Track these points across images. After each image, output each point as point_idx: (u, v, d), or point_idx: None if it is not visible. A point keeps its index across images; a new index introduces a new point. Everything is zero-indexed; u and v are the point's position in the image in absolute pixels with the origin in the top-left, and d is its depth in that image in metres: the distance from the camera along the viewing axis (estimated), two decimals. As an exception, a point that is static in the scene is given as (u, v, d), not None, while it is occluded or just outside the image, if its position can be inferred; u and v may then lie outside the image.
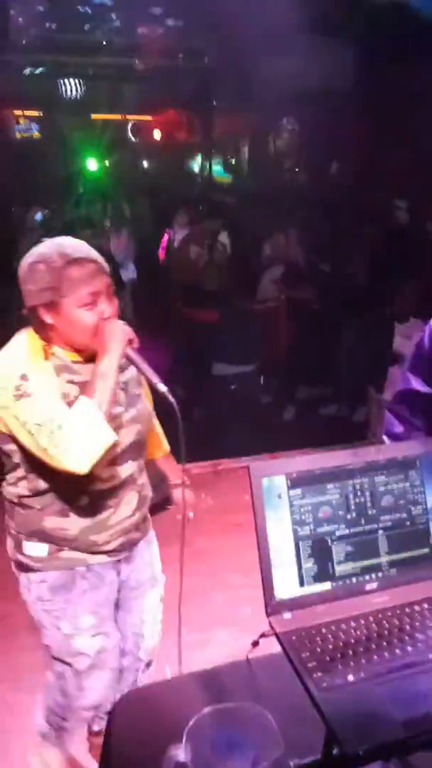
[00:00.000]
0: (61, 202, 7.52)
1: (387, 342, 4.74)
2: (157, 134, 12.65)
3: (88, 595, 1.78)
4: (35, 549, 1.74)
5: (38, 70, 9.11)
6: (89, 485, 1.68)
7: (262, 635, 1.26)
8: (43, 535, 1.73)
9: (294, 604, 1.26)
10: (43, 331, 1.64)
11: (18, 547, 1.78)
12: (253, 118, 9.58)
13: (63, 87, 9.69)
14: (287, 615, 1.25)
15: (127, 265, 6.39)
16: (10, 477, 1.75)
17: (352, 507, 1.35)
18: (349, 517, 1.34)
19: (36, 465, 1.63)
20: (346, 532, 1.34)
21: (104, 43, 7.98)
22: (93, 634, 1.81)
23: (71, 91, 9.83)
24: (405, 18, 5.94)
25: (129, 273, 6.30)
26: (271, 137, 9.34)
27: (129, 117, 12.08)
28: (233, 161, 10.93)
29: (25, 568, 1.78)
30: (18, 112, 11.29)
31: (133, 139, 12.49)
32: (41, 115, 11.34)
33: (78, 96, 9.95)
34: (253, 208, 7.44)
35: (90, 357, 1.65)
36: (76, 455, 1.51)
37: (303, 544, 1.30)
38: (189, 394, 4.76)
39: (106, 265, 1.66)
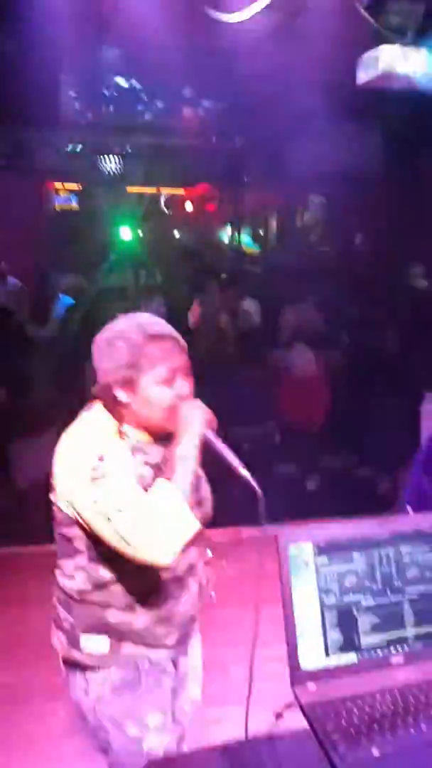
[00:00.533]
0: (95, 270, 7.82)
1: (414, 410, 4.74)
2: (188, 206, 13.21)
3: (155, 692, 1.67)
4: (95, 645, 1.60)
5: (79, 147, 9.67)
6: (157, 574, 1.57)
7: (287, 706, 1.25)
8: (105, 628, 1.60)
9: (319, 675, 1.26)
10: (116, 409, 1.57)
11: (73, 643, 1.62)
12: (282, 193, 9.96)
13: (101, 162, 10.25)
14: (312, 686, 1.24)
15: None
16: (67, 567, 1.61)
17: (378, 577, 1.35)
18: (375, 587, 1.35)
19: (101, 554, 1.52)
20: (372, 602, 1.34)
21: (142, 122, 8.47)
22: (162, 731, 1.67)
23: (109, 166, 10.40)
24: (426, 101, 6.24)
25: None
26: (298, 212, 9.68)
27: (163, 190, 12.67)
28: (261, 233, 11.29)
29: (81, 667, 1.63)
30: (58, 185, 11.92)
31: (166, 210, 13.05)
32: (80, 187, 11.94)
33: (115, 171, 10.51)
34: (280, 278, 7.63)
35: (161, 438, 1.59)
36: (161, 546, 1.42)
37: (329, 613, 1.31)
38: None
39: (184, 343, 1.61)
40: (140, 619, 1.60)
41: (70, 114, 6.81)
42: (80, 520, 1.51)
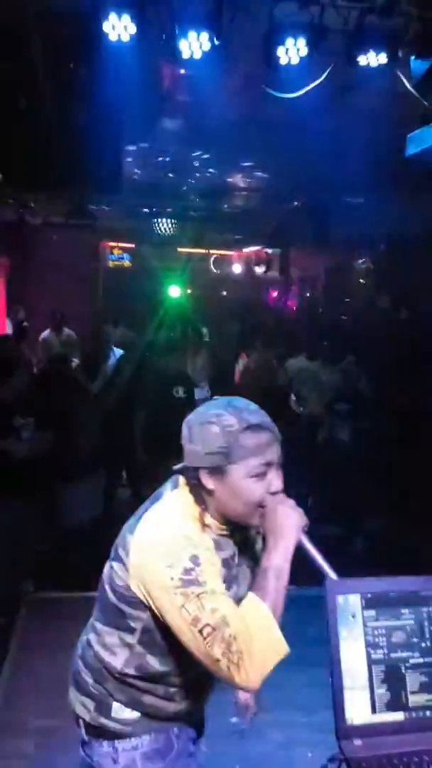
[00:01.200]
0: (145, 324, 8.06)
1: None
2: (237, 267, 13.58)
3: (184, 759, 1.58)
4: (127, 712, 1.51)
5: (135, 210, 10.16)
6: (198, 668, 1.42)
7: (331, 760, 1.23)
8: (138, 706, 1.52)
9: (365, 731, 1.25)
10: (200, 496, 1.47)
11: (104, 711, 1.53)
12: (329, 257, 10.17)
13: (155, 224, 10.72)
14: (358, 741, 1.23)
15: (202, 385, 6.68)
16: (111, 639, 1.50)
17: (427, 635, 1.35)
18: (423, 645, 1.34)
19: (157, 644, 1.44)
20: (420, 660, 1.33)
21: (195, 187, 8.87)
22: None
23: (162, 227, 10.86)
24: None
25: (203, 393, 6.57)
26: (345, 275, 9.86)
27: (212, 251, 13.10)
28: (308, 294, 11.48)
29: (110, 735, 1.53)
30: (113, 244, 12.48)
31: (214, 270, 13.44)
32: (133, 246, 12.47)
33: (168, 232, 10.96)
34: (327, 339, 7.72)
35: (234, 528, 1.51)
36: (255, 674, 1.32)
37: (376, 669, 1.30)
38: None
39: (279, 435, 1.50)
40: (175, 705, 1.54)
41: (127, 178, 7.20)
42: (154, 610, 1.40)
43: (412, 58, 3.53)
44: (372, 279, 9.24)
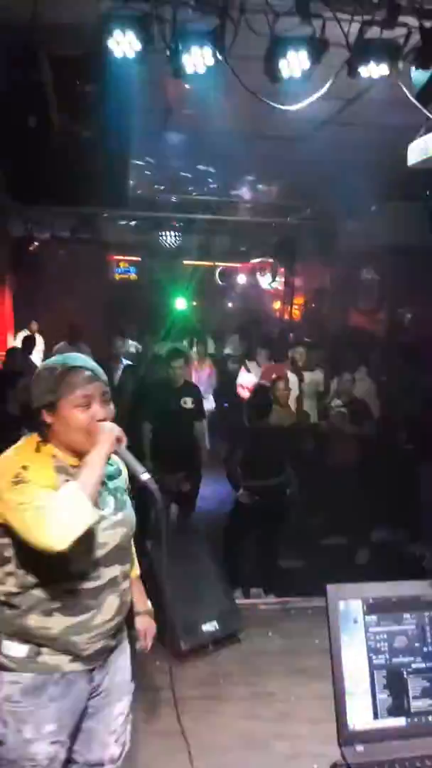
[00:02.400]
0: (152, 337, 8.11)
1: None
2: (242, 279, 13.63)
3: (57, 703, 1.80)
4: (14, 649, 1.78)
5: (140, 223, 10.23)
6: (75, 583, 1.75)
7: (334, 765, 1.23)
8: (25, 635, 1.77)
9: (367, 737, 1.24)
10: (44, 432, 1.80)
11: None
12: (333, 268, 10.20)
13: (161, 237, 10.80)
14: (360, 747, 1.23)
15: (208, 396, 6.70)
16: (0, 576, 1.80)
17: (429, 640, 1.34)
18: (425, 650, 1.33)
19: (27, 558, 1.70)
20: (422, 665, 1.32)
21: (200, 201, 8.94)
22: (52, 741, 1.80)
23: (168, 241, 10.94)
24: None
25: (209, 404, 6.59)
26: (349, 286, 9.87)
27: (218, 263, 13.17)
28: (312, 305, 11.49)
29: (1, 667, 1.81)
30: (119, 257, 12.56)
31: (220, 282, 13.50)
32: (139, 260, 12.55)
33: (173, 245, 11.04)
34: (330, 348, 7.72)
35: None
36: (56, 531, 1.59)
37: (378, 674, 1.30)
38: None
39: (101, 375, 1.84)
40: (57, 624, 1.75)
41: (133, 192, 7.27)
42: (6, 524, 1.68)
43: (413, 69, 3.57)
44: (377, 290, 9.24)
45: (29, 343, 8.15)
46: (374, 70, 3.50)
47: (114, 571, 1.85)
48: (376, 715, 1.27)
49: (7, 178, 4.62)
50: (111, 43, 3.37)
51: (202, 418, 5.26)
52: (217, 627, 3.69)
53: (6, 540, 1.73)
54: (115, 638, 1.92)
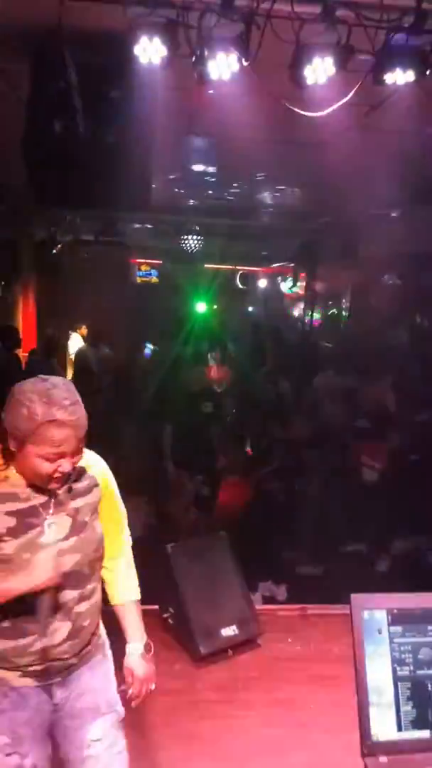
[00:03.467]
0: (172, 340, 8.13)
1: None
2: (263, 283, 13.62)
3: (8, 715, 1.77)
4: None
5: (163, 227, 10.29)
6: (12, 606, 1.70)
7: (356, 777, 1.22)
8: None
9: (391, 748, 1.24)
10: (6, 450, 1.73)
11: None
12: (356, 272, 10.15)
13: (182, 241, 10.84)
14: (383, 759, 1.22)
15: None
16: None
17: (454, 653, 1.33)
18: (450, 662, 1.32)
19: None
20: (447, 678, 1.31)
21: (222, 205, 8.95)
22: (7, 753, 1.77)
23: (189, 244, 10.97)
24: None
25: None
26: (372, 291, 9.82)
27: (238, 267, 13.18)
28: (335, 311, 11.45)
29: None
30: (141, 260, 12.64)
31: (240, 286, 13.50)
32: (161, 263, 12.60)
33: (195, 249, 11.08)
34: (353, 355, 7.68)
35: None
36: None
37: (402, 686, 1.29)
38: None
39: (82, 431, 1.71)
40: (5, 645, 1.73)
41: (155, 197, 7.31)
42: None
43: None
44: (399, 295, 9.19)
45: (50, 346, 8.22)
46: (400, 77, 3.48)
47: (65, 596, 1.78)
48: (399, 727, 1.26)
49: (32, 182, 4.67)
50: (137, 50, 3.40)
51: (223, 423, 5.28)
52: (237, 632, 3.69)
53: None
54: (74, 657, 1.84)
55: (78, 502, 1.81)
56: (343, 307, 11.11)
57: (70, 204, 5.76)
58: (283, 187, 8.33)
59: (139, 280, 12.78)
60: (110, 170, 4.36)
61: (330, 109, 3.62)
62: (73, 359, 8.66)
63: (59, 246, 9.91)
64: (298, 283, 12.17)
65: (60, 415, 1.64)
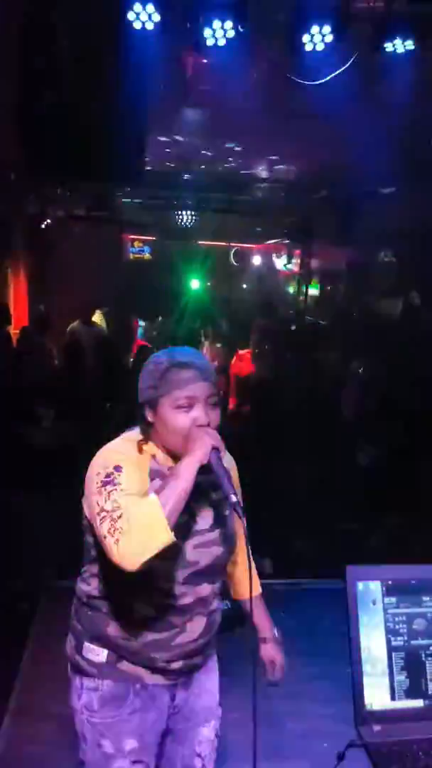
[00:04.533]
0: (166, 318, 8.09)
1: None
2: (257, 260, 13.54)
3: (138, 716, 1.68)
4: (94, 653, 1.67)
5: (156, 202, 10.16)
6: (158, 599, 1.61)
7: (350, 745, 1.23)
8: (106, 641, 1.66)
9: (384, 717, 1.24)
10: (145, 429, 1.65)
11: (78, 648, 1.72)
12: (352, 250, 10.08)
13: (176, 217, 10.72)
14: (377, 727, 1.22)
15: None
16: (85, 572, 1.72)
17: (448, 623, 1.33)
18: (444, 633, 1.33)
19: (110, 564, 1.51)
20: (441, 648, 1.32)
21: (216, 179, 8.85)
22: (133, 760, 1.67)
23: (183, 220, 10.86)
24: None
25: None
26: (368, 268, 9.77)
27: (233, 244, 13.07)
28: (329, 288, 11.40)
29: (80, 670, 1.71)
30: (134, 236, 12.51)
31: (234, 263, 13.42)
32: (154, 239, 12.49)
33: (188, 225, 10.96)
34: (345, 334, 7.67)
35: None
36: (127, 550, 1.43)
37: (396, 656, 1.29)
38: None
39: (211, 375, 1.64)
40: (138, 637, 1.63)
41: (148, 170, 7.20)
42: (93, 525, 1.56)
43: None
44: (394, 273, 9.14)
45: (41, 323, 8.15)
46: (400, 46, 3.43)
47: (204, 590, 1.68)
48: (393, 697, 1.27)
49: (22, 152, 4.59)
50: (130, 15, 3.32)
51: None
52: (229, 605, 3.71)
53: (91, 539, 1.63)
54: (201, 656, 1.77)
55: (218, 494, 1.67)
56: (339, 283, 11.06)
57: (62, 175, 5.67)
58: (278, 160, 8.23)
59: (131, 256, 12.67)
60: (103, 140, 4.29)
61: (328, 77, 3.56)
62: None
63: (50, 222, 9.79)
64: (293, 260, 12.09)
65: (182, 358, 1.62)
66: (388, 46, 3.41)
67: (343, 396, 5.94)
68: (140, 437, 1.65)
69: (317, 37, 3.29)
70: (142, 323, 8.16)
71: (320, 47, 3.35)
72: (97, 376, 5.98)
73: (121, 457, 1.59)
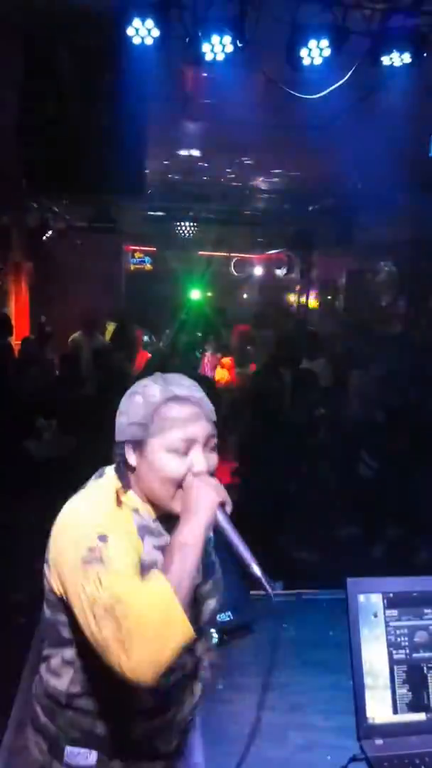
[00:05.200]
0: (167, 328, 8.11)
1: None
2: (258, 270, 13.59)
3: None
4: (82, 757, 1.34)
5: (157, 214, 10.22)
6: (163, 678, 1.20)
7: (353, 759, 1.22)
8: (95, 741, 1.34)
9: (386, 731, 1.24)
10: (125, 473, 1.37)
11: (56, 753, 1.37)
12: (351, 260, 10.12)
13: (176, 228, 10.77)
14: (379, 741, 1.22)
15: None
16: (55, 661, 1.35)
17: (450, 636, 1.33)
18: (446, 645, 1.32)
19: (94, 649, 1.19)
20: (443, 661, 1.31)
21: (216, 191, 8.90)
22: None
23: (184, 231, 10.91)
24: None
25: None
26: (367, 278, 9.79)
27: (233, 254, 13.13)
28: (330, 297, 11.42)
29: None
30: (134, 247, 12.57)
31: (235, 273, 13.47)
32: (155, 250, 12.55)
33: (189, 235, 11.01)
34: (347, 341, 7.68)
35: (168, 518, 1.35)
36: (141, 658, 1.13)
37: (398, 669, 1.29)
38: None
39: (211, 414, 1.37)
40: (138, 730, 1.35)
41: (149, 182, 7.25)
42: (66, 602, 1.26)
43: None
44: (394, 282, 9.17)
45: (42, 334, 8.18)
46: (396, 59, 3.45)
47: (200, 649, 1.47)
48: (395, 710, 1.26)
49: (24, 165, 4.62)
50: (129, 31, 3.35)
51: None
52: (231, 617, 3.70)
53: (64, 618, 1.30)
54: (194, 726, 1.56)
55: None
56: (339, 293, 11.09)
57: (63, 188, 5.71)
58: (278, 173, 8.28)
59: (132, 267, 12.73)
60: (103, 154, 4.32)
61: (326, 91, 3.59)
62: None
63: (52, 233, 9.84)
64: (294, 270, 12.14)
65: (180, 392, 1.33)
66: (386, 60, 3.44)
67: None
68: (117, 484, 1.36)
69: (315, 51, 3.32)
70: (144, 336, 8.19)
71: (318, 61, 3.38)
72: (99, 387, 5.99)
73: (103, 521, 1.27)
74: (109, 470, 1.40)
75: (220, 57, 3.39)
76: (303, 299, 11.83)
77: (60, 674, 1.33)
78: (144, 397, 1.33)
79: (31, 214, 9.36)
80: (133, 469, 1.35)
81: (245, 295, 13.98)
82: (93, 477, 1.42)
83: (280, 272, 12.67)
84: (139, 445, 1.33)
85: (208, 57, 3.39)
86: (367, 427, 5.80)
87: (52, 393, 5.62)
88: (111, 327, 8.39)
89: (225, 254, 12.89)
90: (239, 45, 3.32)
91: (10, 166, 4.96)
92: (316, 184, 8.33)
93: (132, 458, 1.34)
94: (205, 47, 3.34)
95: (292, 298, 12.77)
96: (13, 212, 8.75)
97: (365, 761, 1.18)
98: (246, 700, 1.95)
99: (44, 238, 9.68)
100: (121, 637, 1.13)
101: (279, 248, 12.29)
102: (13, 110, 4.25)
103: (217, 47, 3.33)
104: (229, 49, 3.34)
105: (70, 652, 1.32)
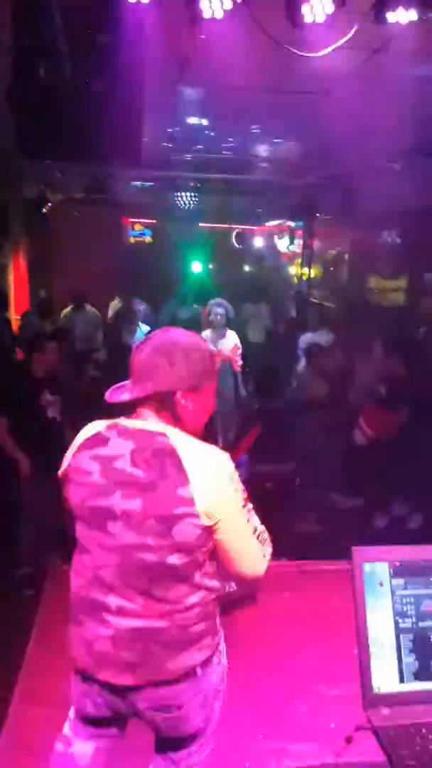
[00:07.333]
0: (167, 301, 8.01)
1: None
2: (259, 242, 13.41)
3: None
4: (208, 639, 1.64)
5: (156, 184, 10.04)
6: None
7: (358, 728, 1.20)
8: (213, 630, 1.67)
9: (392, 700, 1.21)
10: (174, 416, 1.62)
11: (215, 637, 1.67)
12: (354, 230, 9.97)
13: (176, 199, 10.59)
14: (385, 710, 1.20)
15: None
16: (180, 594, 1.58)
17: (457, 604, 1.30)
18: (453, 614, 1.29)
19: (215, 562, 1.64)
20: (450, 630, 1.28)
21: (217, 160, 8.72)
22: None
23: (183, 202, 10.73)
24: None
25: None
26: (371, 247, 9.65)
27: (234, 226, 12.95)
28: (332, 269, 11.29)
29: (205, 663, 1.64)
30: (134, 219, 12.40)
31: (236, 245, 13.30)
32: (154, 222, 12.38)
33: (189, 206, 10.84)
34: (351, 317, 7.59)
35: None
36: (264, 565, 1.59)
37: (404, 638, 1.26)
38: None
39: None
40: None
41: (147, 152, 7.09)
42: (217, 532, 1.55)
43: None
44: (397, 253, 9.03)
45: (44, 307, 8.10)
46: (402, 16, 3.32)
47: None
48: (402, 679, 1.24)
49: (18, 133, 4.50)
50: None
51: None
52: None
53: (208, 544, 1.58)
54: None
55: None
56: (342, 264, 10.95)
57: (57, 156, 5.58)
58: (280, 140, 8.10)
59: (132, 239, 12.57)
60: (100, 120, 4.20)
61: (328, 49, 3.47)
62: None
63: (50, 206, 9.70)
64: (296, 241, 11.97)
65: (212, 346, 1.87)
66: (391, 17, 3.31)
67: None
68: (169, 426, 1.61)
69: (317, 8, 3.20)
70: (141, 306, 8.06)
71: (320, 18, 3.25)
72: (94, 360, 5.96)
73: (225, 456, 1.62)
74: (151, 415, 1.63)
75: (219, 14, 3.26)
76: (306, 271, 11.68)
77: (212, 578, 1.63)
78: (200, 352, 1.65)
79: (28, 188, 9.21)
80: (184, 411, 1.62)
81: (246, 267, 13.84)
82: (151, 423, 1.61)
83: (281, 244, 12.52)
84: (196, 389, 1.62)
85: (206, 14, 3.27)
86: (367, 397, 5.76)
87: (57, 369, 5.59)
88: (115, 303, 8.31)
89: (226, 226, 12.71)
90: (238, 1, 3.19)
91: (4, 136, 4.85)
92: (318, 152, 8.16)
93: (186, 401, 1.61)
94: (203, 3, 3.21)
95: (293, 270, 12.62)
96: (9, 186, 8.61)
97: (371, 731, 1.16)
98: (249, 669, 1.95)
99: (44, 210, 9.54)
100: (267, 554, 1.58)
101: (281, 219, 12.12)
102: (4, 76, 4.13)
103: (216, 3, 3.20)
104: (228, 5, 3.21)
105: (197, 576, 1.57)
